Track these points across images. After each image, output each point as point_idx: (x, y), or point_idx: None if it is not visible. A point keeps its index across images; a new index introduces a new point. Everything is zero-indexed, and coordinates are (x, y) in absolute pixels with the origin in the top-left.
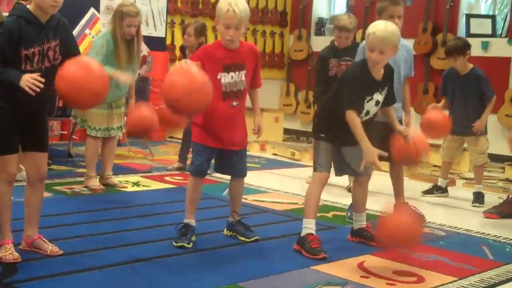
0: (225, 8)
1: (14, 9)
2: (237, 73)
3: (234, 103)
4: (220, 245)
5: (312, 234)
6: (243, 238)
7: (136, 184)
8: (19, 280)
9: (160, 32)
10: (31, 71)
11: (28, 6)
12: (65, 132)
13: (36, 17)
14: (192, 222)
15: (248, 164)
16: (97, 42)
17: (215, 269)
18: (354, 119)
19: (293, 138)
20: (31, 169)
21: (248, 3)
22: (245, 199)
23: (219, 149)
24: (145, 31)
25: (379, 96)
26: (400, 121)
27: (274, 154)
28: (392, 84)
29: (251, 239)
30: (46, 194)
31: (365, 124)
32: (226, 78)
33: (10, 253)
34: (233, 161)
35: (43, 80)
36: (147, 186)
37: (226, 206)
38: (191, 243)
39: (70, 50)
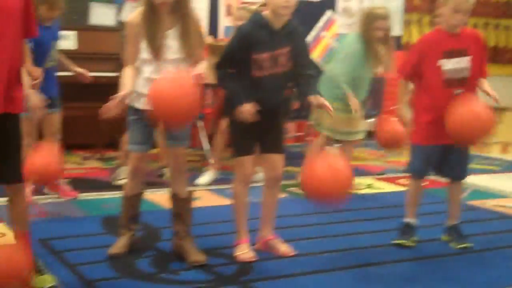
0: None
1: (251, 15)
2: (459, 59)
3: (457, 92)
4: (446, 252)
5: None
6: (453, 244)
7: (369, 186)
8: (253, 279)
9: (395, 31)
10: (262, 77)
11: (263, 13)
12: (301, 134)
13: (270, 23)
14: (412, 221)
15: (487, 167)
16: (345, 46)
17: (444, 278)
18: None
19: None
20: (268, 170)
21: None
22: (484, 203)
23: (441, 146)
24: None
25: None
26: None
27: None
28: None
29: (459, 246)
30: (281, 195)
31: None
32: (448, 64)
33: (246, 252)
34: (450, 160)
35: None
36: (380, 189)
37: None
38: (413, 243)
39: (300, 58)
